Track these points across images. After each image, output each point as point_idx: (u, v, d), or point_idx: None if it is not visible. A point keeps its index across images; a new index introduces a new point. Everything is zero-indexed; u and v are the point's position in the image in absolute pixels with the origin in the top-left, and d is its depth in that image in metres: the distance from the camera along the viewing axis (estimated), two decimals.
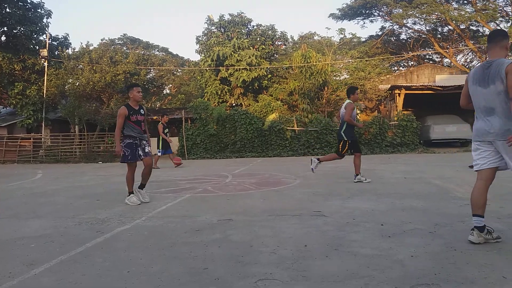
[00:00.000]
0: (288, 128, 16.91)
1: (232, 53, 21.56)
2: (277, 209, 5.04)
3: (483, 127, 3.34)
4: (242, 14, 23.95)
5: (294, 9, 75.44)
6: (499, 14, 26.31)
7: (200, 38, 23.65)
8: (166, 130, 12.67)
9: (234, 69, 21.59)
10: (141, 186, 5.99)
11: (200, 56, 23.48)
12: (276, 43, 25.67)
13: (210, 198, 6.19)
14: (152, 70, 25.67)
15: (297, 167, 10.87)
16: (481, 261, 2.87)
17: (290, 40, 29.14)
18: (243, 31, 23.86)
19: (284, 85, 21.25)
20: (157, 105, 32.84)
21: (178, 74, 31.49)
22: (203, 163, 14.45)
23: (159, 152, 12.51)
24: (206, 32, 23.75)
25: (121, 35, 33.03)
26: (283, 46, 28.18)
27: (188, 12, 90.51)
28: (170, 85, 32.15)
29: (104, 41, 25.18)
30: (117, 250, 3.53)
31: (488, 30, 27.43)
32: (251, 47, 22.52)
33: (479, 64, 3.70)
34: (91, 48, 22.12)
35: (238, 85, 21.74)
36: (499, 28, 26.68)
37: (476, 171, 3.44)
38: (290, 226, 4.17)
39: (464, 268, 2.75)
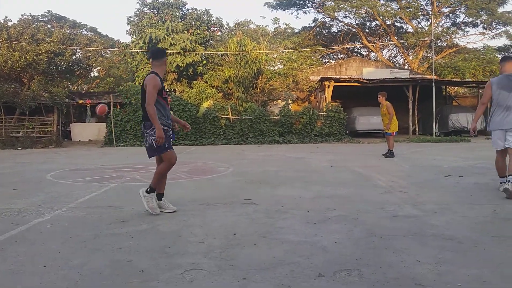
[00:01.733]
0: (222, 116, 16.84)
1: (166, 36, 20.84)
2: (208, 198, 5.01)
3: (504, 119, 4.86)
4: None
5: None
6: (420, 13, 28.28)
7: (131, 19, 22.56)
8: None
9: (167, 53, 20.89)
10: (160, 196, 4.42)
11: (131, 37, 22.43)
12: (212, 28, 25.27)
13: (139, 188, 5.95)
14: (78, 50, 24.10)
15: (231, 156, 10.89)
16: (398, 246, 3.07)
17: (225, 26, 28.90)
18: (178, 14, 23.11)
19: (219, 73, 21.06)
20: (84, 89, 30.95)
21: (107, 56, 29.83)
22: (132, 150, 13.92)
23: None
24: (138, 13, 22.69)
25: (45, 12, 30.42)
26: (219, 33, 27.84)
27: None
28: (99, 68, 30.42)
29: (25, 17, 22.96)
30: (34, 243, 3.28)
31: (410, 27, 29.41)
32: (185, 31, 21.93)
33: (502, 75, 5.01)
34: (9, 24, 20.12)
35: (172, 70, 21.12)
36: (420, 27, 28.71)
37: (497, 150, 5.05)
38: (220, 214, 4.17)
39: (383, 253, 2.93)
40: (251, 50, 18.93)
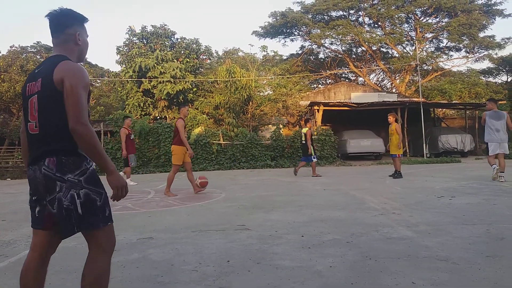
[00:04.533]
0: (214, 141, 16.87)
1: (156, 65, 21.09)
2: (201, 225, 4.95)
3: (499, 136, 8.57)
4: (166, 26, 23.62)
5: (218, 24, 76.28)
6: (405, 38, 29.09)
7: (121, 49, 22.82)
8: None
9: (157, 81, 21.10)
10: None
11: (121, 66, 22.62)
12: (201, 57, 25.66)
13: (130, 216, 5.90)
14: None
15: (223, 181, 10.84)
16: (393, 269, 3.05)
17: (215, 54, 29.35)
18: (167, 43, 23.50)
19: (210, 99, 21.24)
20: None
21: (97, 85, 29.99)
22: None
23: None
24: (127, 42, 22.98)
25: (34, 43, 30.70)
26: (208, 60, 28.26)
27: (108, 22, 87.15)
28: None
29: (14, 48, 23.10)
30: None
31: (396, 52, 30.17)
32: (175, 60, 22.22)
33: (492, 111, 8.76)
34: None
35: (162, 97, 21.26)
36: (406, 52, 29.47)
37: (494, 154, 8.64)
38: (213, 241, 4.11)
39: (378, 276, 2.91)
40: (240, 77, 19.18)
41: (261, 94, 22.97)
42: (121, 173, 9.88)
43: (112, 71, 26.85)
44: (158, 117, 22.58)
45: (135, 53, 21.68)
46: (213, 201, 7.16)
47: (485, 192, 7.03)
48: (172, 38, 23.98)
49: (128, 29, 23.03)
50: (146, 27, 23.09)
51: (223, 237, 4.26)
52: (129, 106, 21.50)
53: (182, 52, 23.19)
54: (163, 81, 20.83)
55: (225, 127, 18.67)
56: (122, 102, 23.82)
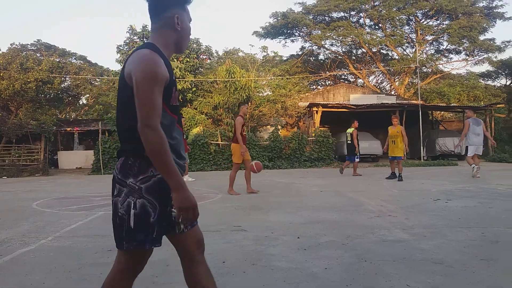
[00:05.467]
0: (212, 142, 16.86)
1: None
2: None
3: (479, 140, 10.17)
4: None
5: (219, 25, 76.33)
6: (405, 40, 29.11)
7: (121, 48, 22.81)
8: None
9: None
10: None
11: (121, 65, 22.62)
12: (201, 56, 25.65)
13: None
14: (67, 78, 24.14)
15: (220, 181, 10.83)
16: (388, 271, 3.06)
17: (215, 54, 29.33)
18: None
19: (209, 99, 21.24)
20: (72, 116, 30.82)
21: (96, 83, 29.94)
22: None
23: None
24: (128, 41, 22.97)
25: (34, 41, 30.59)
26: (208, 60, 28.24)
27: (109, 20, 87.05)
28: (87, 95, 30.48)
29: (14, 46, 23.05)
30: (18, 274, 3.20)
31: (396, 54, 30.20)
32: (175, 59, 22.21)
33: (473, 118, 10.42)
34: None
35: None
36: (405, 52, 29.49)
37: (470, 155, 10.27)
38: (209, 242, 4.09)
39: (373, 279, 2.92)
40: (240, 77, 19.18)
41: (260, 94, 22.98)
42: None
43: (112, 70, 26.82)
44: None
45: None
46: (210, 201, 7.16)
47: (481, 196, 7.04)
48: None
49: (129, 28, 23.02)
50: (147, 26, 23.05)
51: (219, 238, 4.26)
52: None
53: None
54: None
55: (224, 127, 18.67)
56: None
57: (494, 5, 27.61)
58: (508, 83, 30.11)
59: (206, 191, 8.69)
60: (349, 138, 11.76)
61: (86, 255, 3.70)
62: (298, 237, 4.18)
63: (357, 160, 11.77)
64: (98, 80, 28.84)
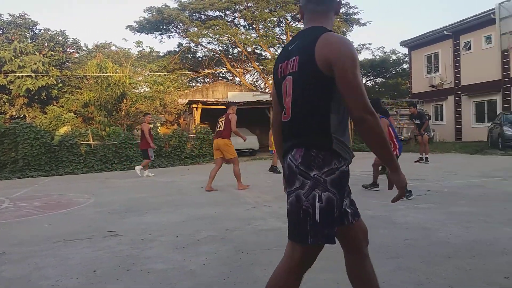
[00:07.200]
0: (82, 142, 15.53)
1: (13, 57, 18.60)
2: (65, 234, 4.49)
3: None
4: (26, 15, 21.06)
5: (88, 16, 70.53)
6: (277, 41, 30.84)
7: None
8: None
9: (15, 76, 18.63)
10: None
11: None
12: (68, 50, 23.48)
13: None
14: None
15: (93, 185, 10.05)
16: (264, 260, 3.17)
17: (84, 48, 27.15)
18: (27, 34, 20.97)
19: (78, 96, 19.54)
20: None
21: None
22: None
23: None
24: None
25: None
26: (76, 54, 26.02)
27: None
28: None
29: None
30: None
31: (269, 54, 31.82)
32: (37, 53, 19.90)
33: None
34: None
35: (21, 94, 18.85)
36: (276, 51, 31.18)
37: None
38: (79, 251, 3.76)
39: (250, 269, 2.99)
40: (113, 73, 18.06)
41: (137, 91, 22.01)
42: None
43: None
44: (16, 116, 19.98)
45: None
46: (80, 207, 6.57)
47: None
48: (34, 29, 21.52)
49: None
50: (2, 16, 20.29)
51: (90, 246, 3.93)
52: None
53: (46, 44, 20.97)
54: (22, 76, 18.48)
55: (96, 126, 17.38)
56: None
57: (351, 11, 30.98)
58: (364, 82, 34.14)
59: (76, 196, 7.96)
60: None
61: None
62: (177, 236, 4.08)
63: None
64: None
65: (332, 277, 2.74)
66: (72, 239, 4.23)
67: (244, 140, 8.84)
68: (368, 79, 33.70)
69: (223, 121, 7.76)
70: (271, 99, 23.21)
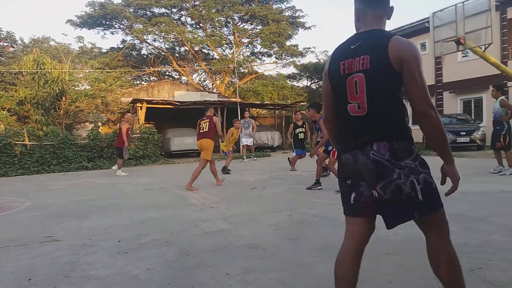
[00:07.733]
0: (17, 142, 14.53)
1: None
2: None
3: None
4: None
5: (24, 8, 66.07)
6: (224, 41, 30.80)
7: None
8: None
9: None
10: None
11: None
12: (1, 43, 21.89)
13: None
14: None
15: (28, 187, 9.45)
16: (209, 262, 3.16)
17: (19, 42, 25.47)
18: None
19: (13, 93, 18.26)
20: None
21: None
22: None
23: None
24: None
25: None
26: (11, 48, 24.35)
27: None
28: None
29: None
30: None
31: (216, 54, 31.70)
32: None
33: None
34: None
35: None
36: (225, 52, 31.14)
37: None
38: (12, 259, 3.53)
39: (195, 272, 2.97)
40: (51, 69, 17.09)
41: (77, 88, 20.98)
42: None
43: None
44: None
45: None
46: (14, 211, 6.15)
47: (290, 182, 8.01)
48: None
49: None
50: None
51: (25, 253, 3.69)
52: None
53: None
54: None
55: (32, 125, 16.35)
56: None
57: (297, 15, 31.67)
58: (308, 84, 35.03)
59: (9, 200, 7.44)
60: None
61: None
62: (119, 241, 3.95)
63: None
64: None
65: (277, 276, 2.78)
66: (4, 246, 3.95)
67: (222, 142, 8.89)
68: (312, 82, 34.63)
69: (207, 123, 8.04)
70: (218, 99, 23.18)
